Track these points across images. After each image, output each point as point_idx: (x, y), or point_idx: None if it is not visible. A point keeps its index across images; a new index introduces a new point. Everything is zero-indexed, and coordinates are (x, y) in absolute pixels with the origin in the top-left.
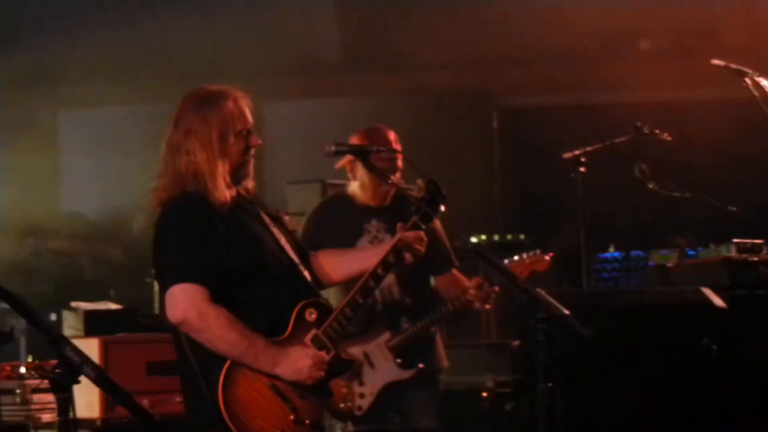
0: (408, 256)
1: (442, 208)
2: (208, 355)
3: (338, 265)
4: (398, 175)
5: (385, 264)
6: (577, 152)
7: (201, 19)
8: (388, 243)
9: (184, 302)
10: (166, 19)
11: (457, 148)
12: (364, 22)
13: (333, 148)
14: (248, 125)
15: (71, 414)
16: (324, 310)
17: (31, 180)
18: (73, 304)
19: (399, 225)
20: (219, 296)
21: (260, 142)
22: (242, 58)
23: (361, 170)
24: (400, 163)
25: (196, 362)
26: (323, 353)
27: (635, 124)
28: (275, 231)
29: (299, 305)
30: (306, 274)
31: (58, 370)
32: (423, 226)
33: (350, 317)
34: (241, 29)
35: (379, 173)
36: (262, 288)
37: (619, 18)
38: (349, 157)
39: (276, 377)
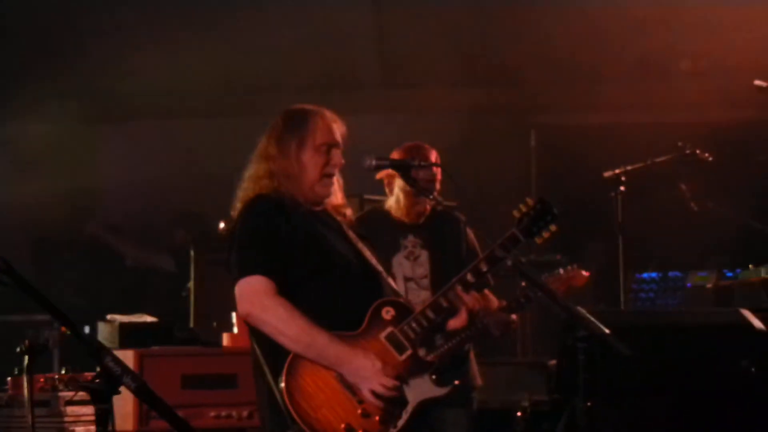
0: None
1: (553, 227)
2: (275, 346)
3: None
4: (436, 193)
5: (475, 271)
6: (617, 171)
7: (243, 35)
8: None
9: (248, 295)
10: (206, 38)
11: (494, 167)
12: (402, 39)
13: (374, 162)
14: (331, 141)
15: (111, 426)
16: (403, 310)
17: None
18: (109, 316)
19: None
20: (291, 292)
21: (342, 161)
22: (282, 75)
23: (398, 186)
24: (438, 183)
25: (262, 353)
26: (388, 369)
27: (677, 143)
28: (359, 245)
29: (377, 303)
30: (392, 282)
31: (98, 381)
32: (521, 239)
33: (432, 320)
34: (282, 46)
35: (419, 188)
36: (333, 284)
37: (659, 37)
38: (388, 171)
39: None
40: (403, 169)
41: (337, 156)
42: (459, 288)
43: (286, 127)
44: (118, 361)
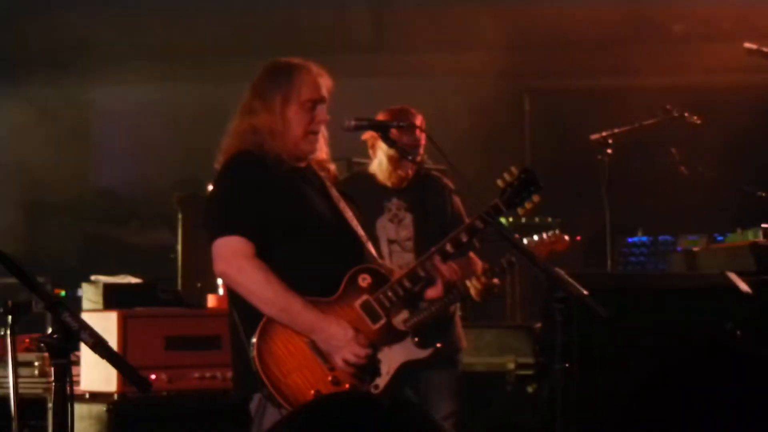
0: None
1: (536, 198)
2: (250, 308)
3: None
4: (420, 156)
5: (455, 241)
6: (604, 134)
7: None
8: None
9: (226, 255)
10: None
11: (488, 131)
12: (395, 3)
13: (353, 122)
14: (317, 96)
15: (68, 381)
16: (380, 277)
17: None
18: (93, 277)
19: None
20: (268, 252)
21: (327, 117)
22: (272, 38)
23: (382, 149)
24: (422, 148)
25: (238, 314)
26: (361, 337)
27: (665, 106)
28: (341, 204)
29: (354, 269)
30: (371, 248)
31: (55, 336)
32: (504, 210)
33: (408, 289)
34: (272, 8)
35: (399, 149)
36: (312, 247)
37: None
38: (372, 133)
39: None
40: (382, 129)
41: (322, 112)
42: (437, 257)
43: (270, 81)
44: (75, 317)
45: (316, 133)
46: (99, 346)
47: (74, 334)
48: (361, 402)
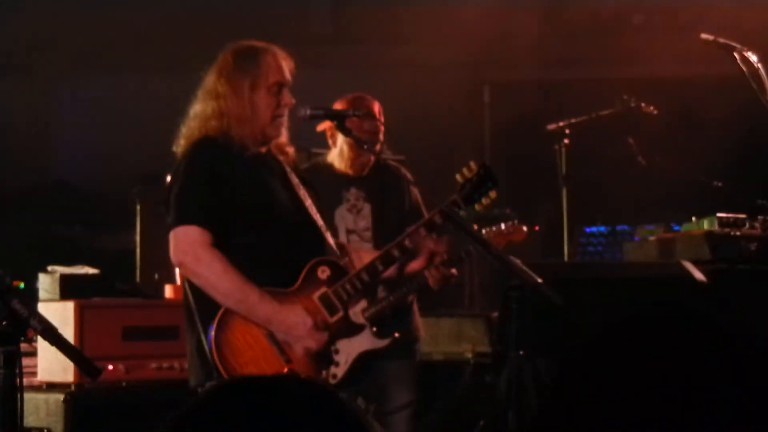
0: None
1: (493, 194)
2: (208, 298)
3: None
4: (379, 146)
5: (412, 236)
6: (561, 124)
7: None
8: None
9: (183, 245)
10: None
11: (448, 122)
12: None
13: (309, 111)
14: (282, 80)
15: (18, 368)
16: (339, 270)
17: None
18: (50, 267)
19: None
20: (226, 242)
21: (293, 101)
22: (233, 27)
23: (341, 138)
24: (382, 135)
25: (195, 303)
26: (320, 326)
27: (622, 96)
28: (301, 192)
29: (313, 261)
30: (329, 237)
31: (4, 323)
32: (462, 206)
33: (366, 282)
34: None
35: (355, 138)
36: (272, 238)
37: None
38: (329, 123)
39: None
40: (338, 118)
41: (287, 96)
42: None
43: (237, 65)
44: (26, 304)
45: (282, 116)
46: (48, 332)
47: (23, 320)
48: (267, 386)
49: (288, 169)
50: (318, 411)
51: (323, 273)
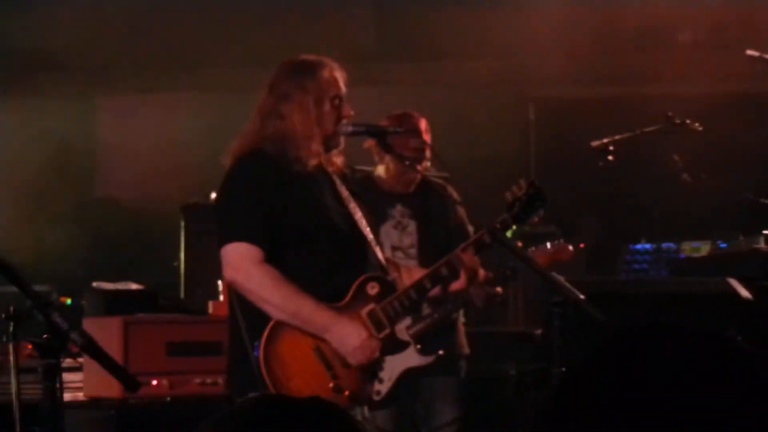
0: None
1: (541, 212)
2: (256, 312)
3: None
4: (426, 163)
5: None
6: (605, 140)
7: (233, 6)
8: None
9: (234, 261)
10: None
11: (493, 140)
12: (399, 12)
13: (350, 128)
14: (341, 92)
15: (59, 382)
16: (388, 287)
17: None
18: (95, 284)
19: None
20: (278, 257)
21: (352, 112)
22: (277, 46)
23: (387, 155)
24: (428, 152)
25: (242, 317)
26: (375, 340)
27: (666, 113)
28: (351, 206)
29: (363, 277)
30: (379, 252)
31: (45, 336)
32: (511, 225)
33: (414, 300)
34: (277, 17)
35: (396, 155)
36: (322, 253)
37: (658, 9)
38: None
39: (323, 341)
40: (378, 135)
41: (347, 108)
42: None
43: (295, 81)
44: (66, 318)
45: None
46: (88, 346)
47: (64, 334)
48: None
49: (338, 182)
50: None
51: (372, 289)
